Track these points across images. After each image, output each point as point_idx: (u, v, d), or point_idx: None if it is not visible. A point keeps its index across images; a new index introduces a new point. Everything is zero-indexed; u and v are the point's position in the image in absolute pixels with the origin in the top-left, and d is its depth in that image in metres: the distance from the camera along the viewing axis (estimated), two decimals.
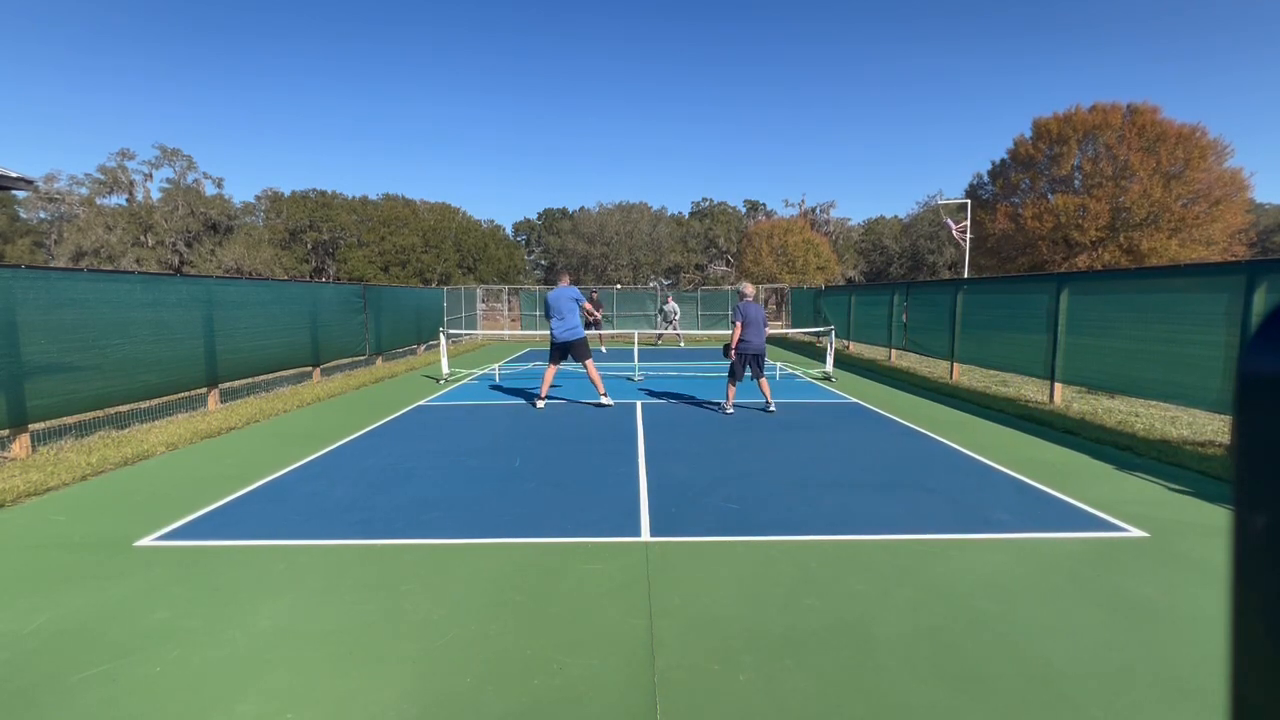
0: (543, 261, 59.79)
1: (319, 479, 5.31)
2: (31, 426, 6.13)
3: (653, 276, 52.41)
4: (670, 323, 18.39)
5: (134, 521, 4.33)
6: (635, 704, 2.41)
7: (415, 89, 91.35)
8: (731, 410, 8.07)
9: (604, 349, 18.46)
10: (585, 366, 8.38)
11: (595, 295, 18.45)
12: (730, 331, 7.93)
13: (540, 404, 8.49)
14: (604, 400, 8.41)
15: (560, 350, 8.40)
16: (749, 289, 8.30)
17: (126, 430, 7.05)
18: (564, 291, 8.35)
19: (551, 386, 8.65)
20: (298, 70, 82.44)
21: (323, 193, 51.12)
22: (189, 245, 44.54)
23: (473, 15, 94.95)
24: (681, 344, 18.37)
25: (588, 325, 18.00)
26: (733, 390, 8.07)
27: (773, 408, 8.10)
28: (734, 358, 7.91)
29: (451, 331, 13.84)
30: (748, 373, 7.99)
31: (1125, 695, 2.44)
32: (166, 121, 70.97)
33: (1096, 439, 6.67)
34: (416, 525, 4.22)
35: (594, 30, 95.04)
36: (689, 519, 4.34)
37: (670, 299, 17.74)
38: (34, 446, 6.12)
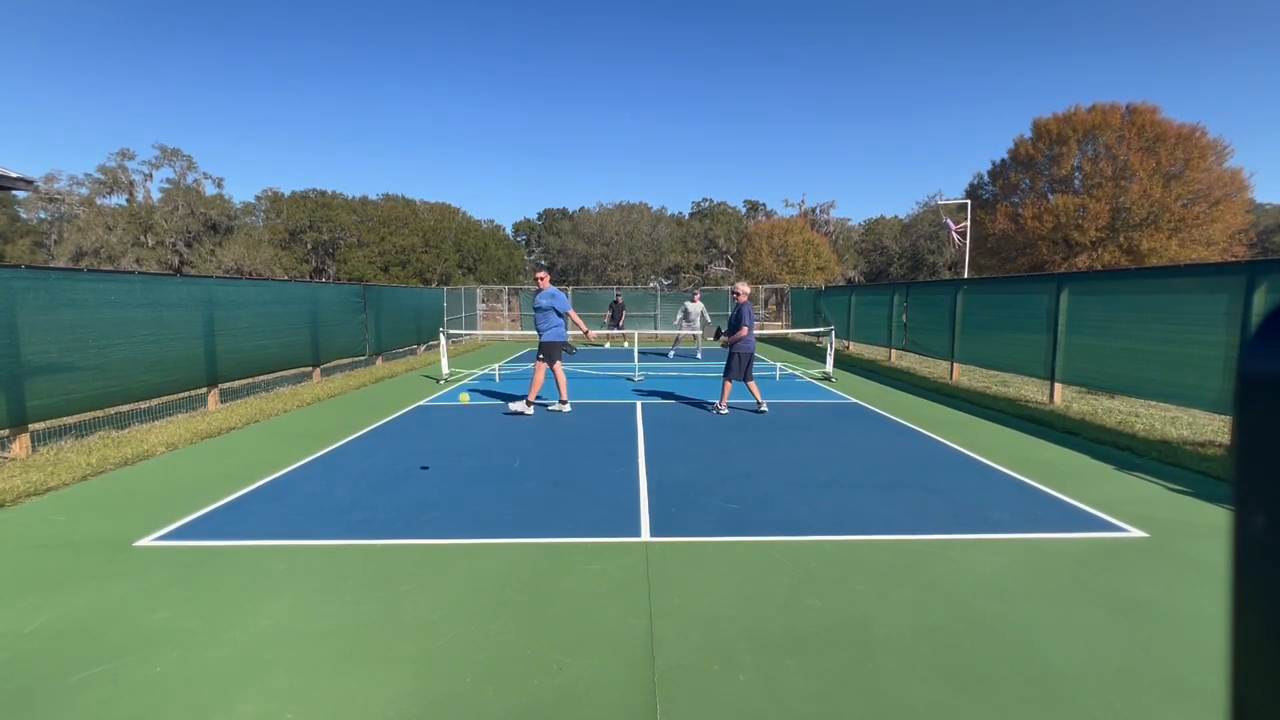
0: (542, 261, 59.79)
1: (319, 479, 5.31)
2: (31, 426, 6.13)
3: (653, 276, 52.40)
4: (691, 322, 17.52)
5: (134, 521, 4.33)
6: (635, 704, 2.41)
7: (415, 89, 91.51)
8: (725, 411, 8.06)
9: (626, 345, 18.68)
10: (555, 370, 8.12)
11: (620, 299, 18.60)
12: (738, 329, 7.85)
13: (565, 407, 8.20)
14: (563, 406, 8.10)
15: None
16: (745, 288, 8.16)
17: (126, 430, 7.05)
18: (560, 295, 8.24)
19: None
20: (298, 70, 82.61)
21: (323, 193, 51.12)
22: (189, 245, 44.51)
23: (473, 15, 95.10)
24: (673, 349, 17.55)
25: (614, 324, 18.23)
26: (728, 389, 8.07)
27: (764, 408, 8.12)
28: (726, 344, 8.00)
29: (451, 332, 13.84)
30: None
31: (1125, 695, 2.44)
32: (166, 121, 71.19)
33: (1096, 439, 6.67)
34: (416, 525, 4.22)
35: (594, 30, 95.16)
36: (689, 519, 4.34)
37: (697, 295, 16.60)
38: (34, 446, 6.12)
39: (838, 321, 17.82)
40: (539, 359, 7.99)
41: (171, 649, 2.77)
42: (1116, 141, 27.67)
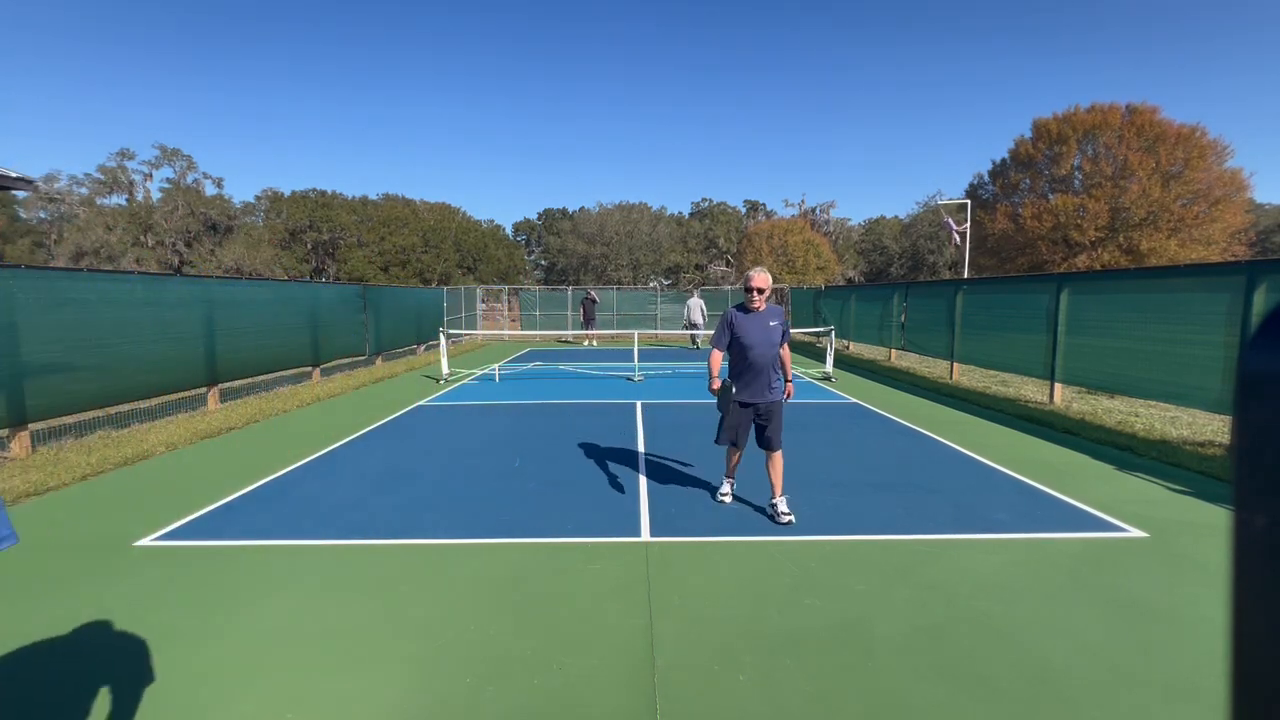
0: (543, 261, 59.75)
1: (319, 479, 5.31)
2: (31, 426, 6.13)
3: (653, 276, 52.39)
4: (694, 324, 16.55)
5: (134, 521, 4.33)
6: (635, 704, 2.41)
7: (415, 89, 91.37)
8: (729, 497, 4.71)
9: (597, 344, 18.83)
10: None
11: (592, 292, 18.74)
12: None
13: None
14: None
15: None
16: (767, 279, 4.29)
17: (126, 430, 7.05)
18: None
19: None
20: (298, 71, 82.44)
21: (323, 193, 51.09)
22: (189, 245, 44.47)
23: (473, 15, 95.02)
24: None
25: (587, 323, 18.21)
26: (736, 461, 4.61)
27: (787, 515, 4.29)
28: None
29: (451, 331, 13.83)
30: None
31: (1125, 695, 2.44)
32: (166, 121, 71.03)
33: (1096, 439, 6.67)
34: (416, 525, 4.22)
35: (594, 31, 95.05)
36: (689, 519, 4.34)
37: (695, 293, 16.24)
38: (34, 446, 6.12)
39: (837, 321, 17.80)
40: None
41: (171, 649, 2.77)
42: (1116, 141, 27.66)
